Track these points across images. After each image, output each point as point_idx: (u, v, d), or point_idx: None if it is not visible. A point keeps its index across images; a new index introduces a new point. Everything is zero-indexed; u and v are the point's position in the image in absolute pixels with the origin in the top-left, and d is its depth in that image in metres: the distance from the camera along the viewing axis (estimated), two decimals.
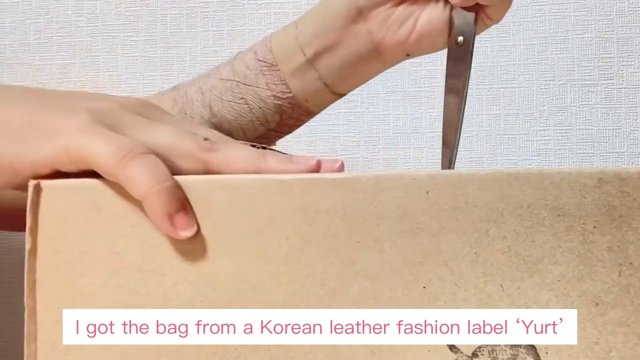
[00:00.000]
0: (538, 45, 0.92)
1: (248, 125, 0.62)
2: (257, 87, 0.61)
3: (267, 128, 0.62)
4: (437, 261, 0.36)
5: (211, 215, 0.38)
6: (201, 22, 0.93)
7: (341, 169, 0.41)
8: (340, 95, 0.64)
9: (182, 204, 0.39)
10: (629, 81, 0.90)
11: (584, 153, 0.91)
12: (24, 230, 0.41)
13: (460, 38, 0.57)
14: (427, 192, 0.36)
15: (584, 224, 0.35)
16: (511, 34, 0.93)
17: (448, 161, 0.58)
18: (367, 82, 0.97)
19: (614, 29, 0.90)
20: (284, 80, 0.60)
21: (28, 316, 0.39)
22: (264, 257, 0.37)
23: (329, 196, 0.37)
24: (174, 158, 0.41)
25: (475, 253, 0.35)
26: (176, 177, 0.39)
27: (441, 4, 0.57)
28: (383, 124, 0.95)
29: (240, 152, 0.41)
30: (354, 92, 0.99)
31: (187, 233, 0.38)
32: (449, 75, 0.59)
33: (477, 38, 0.94)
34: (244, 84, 0.61)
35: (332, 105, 0.96)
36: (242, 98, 0.61)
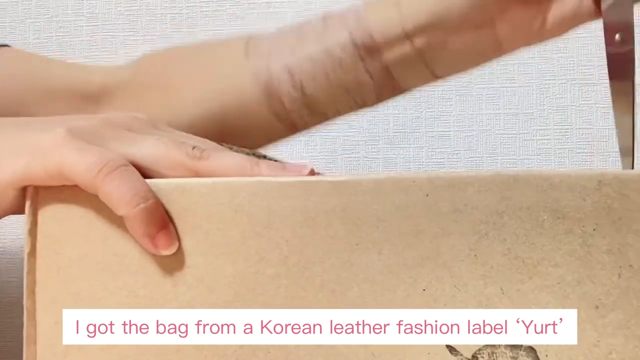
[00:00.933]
0: (538, 45, 0.92)
1: (344, 106, 0.58)
2: (356, 73, 0.55)
3: (362, 106, 0.58)
4: (436, 263, 0.36)
5: (210, 217, 0.38)
6: (201, 22, 0.93)
7: None
8: (441, 78, 0.58)
9: (163, 223, 0.39)
10: None
11: (584, 153, 0.91)
12: None
13: (618, 36, 0.49)
14: (427, 195, 0.36)
15: (583, 226, 0.35)
16: None
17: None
18: None
19: None
20: (387, 67, 0.55)
21: (27, 318, 0.40)
22: (264, 259, 0.37)
23: (328, 198, 0.37)
24: (162, 169, 0.40)
25: (474, 255, 0.35)
26: (175, 179, 0.39)
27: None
28: (383, 124, 0.95)
29: (231, 160, 0.40)
30: None
31: (168, 251, 0.38)
32: (613, 77, 0.50)
33: None
34: (341, 71, 0.55)
35: None
36: (339, 84, 0.56)
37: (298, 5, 0.95)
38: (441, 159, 0.93)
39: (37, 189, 0.40)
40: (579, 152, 0.91)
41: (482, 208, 0.35)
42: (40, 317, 0.40)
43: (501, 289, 0.35)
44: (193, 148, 0.41)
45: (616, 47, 0.49)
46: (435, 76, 0.56)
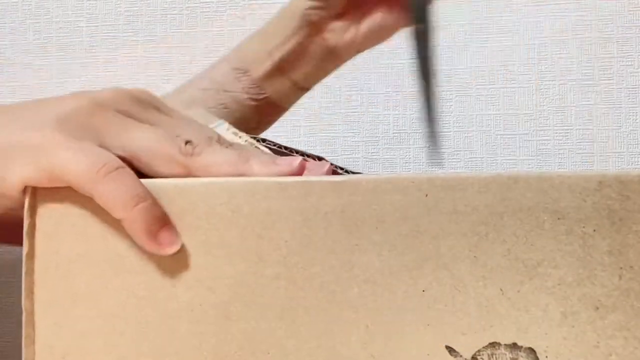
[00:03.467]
0: (538, 45, 0.92)
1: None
2: (235, 92, 0.66)
3: (247, 127, 0.65)
4: (436, 264, 0.36)
5: (210, 218, 0.38)
6: (201, 22, 0.93)
7: (329, 171, 0.41)
8: (308, 89, 0.69)
9: (163, 221, 0.38)
10: (629, 81, 0.90)
11: (584, 153, 0.91)
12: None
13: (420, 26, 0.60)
14: (426, 195, 0.36)
15: (584, 227, 0.34)
16: (511, 34, 0.93)
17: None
18: (367, 82, 0.97)
19: (614, 29, 0.90)
20: (258, 84, 0.66)
21: (26, 319, 0.39)
22: (263, 260, 0.37)
23: (327, 199, 0.37)
24: (154, 163, 0.40)
25: (474, 256, 0.35)
26: (173, 180, 0.39)
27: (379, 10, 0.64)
28: (383, 124, 0.95)
29: (222, 156, 0.40)
30: (354, 92, 0.99)
31: (172, 249, 0.38)
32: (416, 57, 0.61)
33: (477, 38, 0.94)
34: (224, 91, 0.66)
35: (332, 105, 0.96)
36: (222, 104, 0.66)
37: None
38: (441, 159, 0.93)
39: (35, 189, 0.39)
40: (579, 153, 0.91)
41: (482, 209, 0.35)
42: (39, 317, 0.39)
43: (501, 290, 0.35)
44: (186, 143, 0.40)
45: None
46: (300, 88, 0.68)
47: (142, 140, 0.40)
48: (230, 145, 0.42)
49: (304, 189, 0.37)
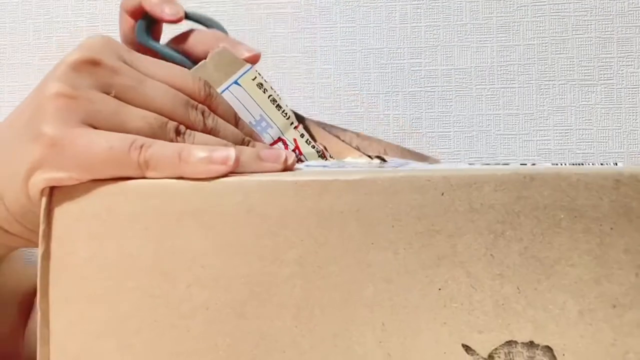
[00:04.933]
0: (538, 45, 0.92)
1: None
2: None
3: None
4: (452, 263, 0.36)
5: (224, 217, 0.38)
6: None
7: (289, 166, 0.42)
8: None
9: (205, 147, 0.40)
10: (629, 81, 0.90)
11: (584, 153, 0.91)
12: None
13: None
14: (442, 194, 0.36)
15: (601, 225, 0.35)
16: (511, 34, 0.93)
17: None
18: (367, 82, 0.97)
19: (614, 29, 0.91)
20: None
21: (41, 319, 0.39)
22: (278, 259, 0.37)
23: (343, 198, 0.37)
24: (117, 167, 0.40)
25: (491, 255, 0.35)
26: (190, 180, 0.39)
27: None
28: (383, 124, 0.95)
29: (163, 151, 0.40)
30: (353, 92, 0.99)
31: (231, 160, 0.40)
32: None
33: (477, 38, 0.94)
34: None
35: (332, 105, 0.96)
36: None
37: (298, 5, 0.95)
38: (441, 159, 0.93)
39: (52, 190, 0.39)
40: (579, 153, 0.91)
41: (498, 207, 0.35)
42: (54, 317, 0.39)
43: (518, 288, 0.35)
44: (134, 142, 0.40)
45: None
46: None
47: (107, 142, 0.40)
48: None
49: (319, 188, 0.37)
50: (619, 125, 0.90)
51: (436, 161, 0.59)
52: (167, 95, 0.43)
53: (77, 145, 0.39)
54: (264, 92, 0.54)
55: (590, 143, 0.91)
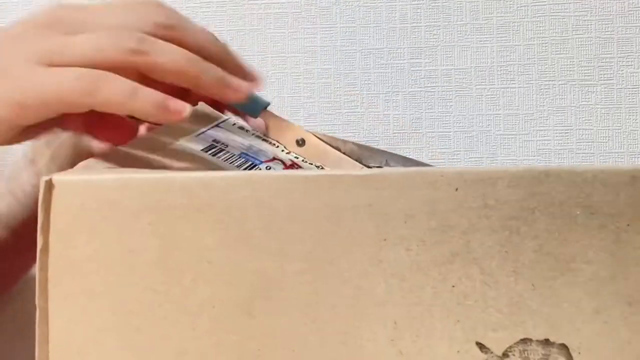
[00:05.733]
0: (538, 45, 0.92)
1: (16, 218, 0.62)
2: (21, 182, 0.62)
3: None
4: (466, 260, 0.35)
5: (232, 212, 0.37)
6: (201, 22, 0.93)
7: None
8: None
9: (167, 97, 0.41)
10: (629, 81, 0.90)
11: (584, 153, 0.91)
12: None
13: None
14: (456, 190, 0.35)
15: (617, 222, 0.34)
16: (511, 34, 0.93)
17: None
18: (367, 82, 0.96)
19: (614, 29, 0.91)
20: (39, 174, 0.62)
21: (40, 317, 0.39)
22: (287, 255, 0.37)
23: (354, 193, 0.36)
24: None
25: (505, 251, 0.35)
26: (194, 173, 0.39)
27: None
28: (383, 124, 0.94)
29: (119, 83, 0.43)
30: (353, 92, 0.99)
31: (185, 113, 0.41)
32: None
33: (477, 38, 0.93)
34: (12, 178, 0.63)
35: (332, 105, 0.95)
36: (10, 192, 0.62)
37: (298, 5, 0.95)
38: (441, 159, 0.93)
39: (50, 183, 0.39)
40: (579, 153, 0.91)
41: (512, 203, 0.35)
42: (53, 315, 0.39)
43: (533, 285, 0.35)
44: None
45: None
46: None
47: (90, 50, 0.43)
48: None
49: (330, 182, 0.36)
50: (619, 125, 0.90)
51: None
52: (132, 13, 0.46)
53: (30, 75, 0.42)
54: (246, 132, 0.55)
55: (590, 143, 0.90)
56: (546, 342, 0.34)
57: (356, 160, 0.55)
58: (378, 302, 0.36)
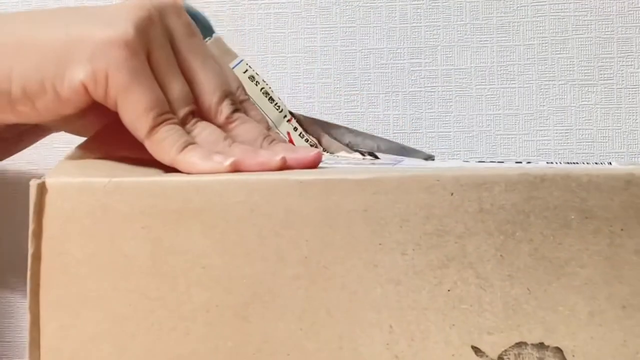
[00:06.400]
0: (538, 45, 0.92)
1: None
2: None
3: None
4: (462, 264, 0.35)
5: (227, 216, 0.37)
6: None
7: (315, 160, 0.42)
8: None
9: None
10: (629, 81, 0.90)
11: (584, 153, 0.91)
12: None
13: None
14: (452, 194, 0.35)
15: (611, 226, 0.34)
16: (511, 34, 0.93)
17: None
18: (368, 82, 0.96)
19: (614, 29, 0.90)
20: None
21: (31, 322, 0.38)
22: (282, 259, 0.37)
23: (350, 197, 0.36)
24: (132, 117, 0.42)
25: (501, 256, 0.35)
26: (189, 177, 0.38)
27: None
28: (383, 124, 0.94)
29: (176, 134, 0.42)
30: (354, 92, 0.99)
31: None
32: None
33: (477, 38, 0.93)
34: None
35: (332, 105, 0.95)
36: None
37: (298, 5, 0.95)
38: (441, 160, 0.93)
39: (42, 187, 0.38)
40: (579, 153, 0.91)
41: (508, 208, 0.35)
42: (45, 321, 0.38)
43: (528, 289, 0.35)
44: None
45: None
46: None
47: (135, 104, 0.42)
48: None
49: (325, 187, 0.36)
50: (619, 125, 0.90)
51: (430, 157, 0.58)
52: (214, 78, 0.45)
53: (136, 65, 0.41)
54: (256, 85, 0.54)
55: (590, 143, 0.90)
56: (541, 346, 0.34)
57: (346, 146, 0.54)
58: (374, 307, 0.36)
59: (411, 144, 0.92)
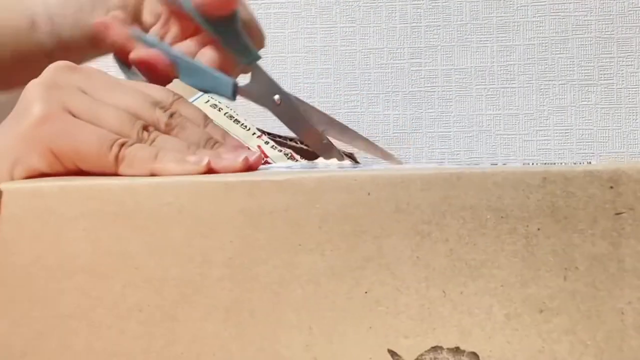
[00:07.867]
0: (538, 45, 0.91)
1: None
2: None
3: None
4: (379, 265, 0.35)
5: (156, 218, 0.37)
6: None
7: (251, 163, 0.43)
8: None
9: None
10: (629, 81, 0.88)
11: (584, 153, 0.90)
12: None
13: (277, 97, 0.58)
14: (369, 194, 0.35)
15: (527, 226, 0.33)
16: (511, 34, 0.92)
17: None
18: (368, 82, 0.96)
19: (614, 29, 0.89)
20: None
21: None
22: (208, 260, 0.37)
23: (272, 198, 0.36)
24: (94, 158, 0.42)
25: (417, 257, 0.34)
26: (120, 179, 0.39)
27: None
28: (383, 124, 0.94)
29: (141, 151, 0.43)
30: (353, 92, 0.99)
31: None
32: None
33: (477, 38, 0.93)
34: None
35: (332, 105, 0.96)
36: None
37: (298, 5, 0.95)
38: (441, 159, 0.93)
39: None
40: (579, 153, 0.90)
41: (424, 207, 0.34)
42: None
43: (444, 291, 0.34)
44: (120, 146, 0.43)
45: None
46: None
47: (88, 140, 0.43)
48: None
49: (248, 188, 0.36)
50: (619, 125, 0.89)
51: (398, 162, 0.58)
52: (136, 96, 0.46)
53: (66, 126, 0.43)
54: (219, 111, 0.56)
55: (590, 143, 0.89)
56: (457, 350, 0.34)
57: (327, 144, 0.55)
58: (294, 308, 0.35)
59: (411, 144, 0.92)
